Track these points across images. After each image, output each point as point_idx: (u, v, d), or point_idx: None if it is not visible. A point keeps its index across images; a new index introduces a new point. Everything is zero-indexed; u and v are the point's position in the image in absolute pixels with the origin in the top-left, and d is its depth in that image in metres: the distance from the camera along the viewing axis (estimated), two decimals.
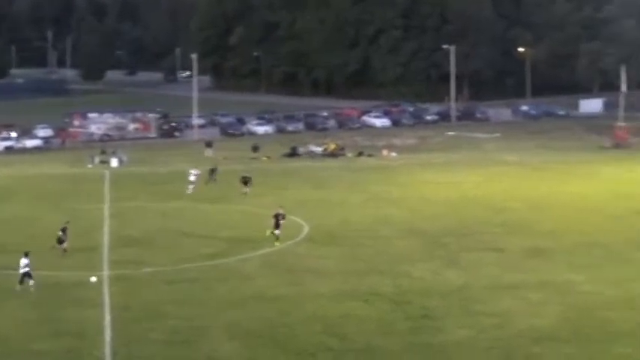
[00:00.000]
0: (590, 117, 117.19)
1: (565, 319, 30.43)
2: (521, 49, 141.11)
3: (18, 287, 34.76)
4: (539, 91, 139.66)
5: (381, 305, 32.53)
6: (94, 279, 35.44)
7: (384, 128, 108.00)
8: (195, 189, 58.81)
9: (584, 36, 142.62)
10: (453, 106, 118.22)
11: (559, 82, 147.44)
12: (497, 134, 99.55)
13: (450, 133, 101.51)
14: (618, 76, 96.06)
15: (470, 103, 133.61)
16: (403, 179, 66.07)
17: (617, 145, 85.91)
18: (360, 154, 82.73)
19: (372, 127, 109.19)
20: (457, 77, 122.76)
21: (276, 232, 42.45)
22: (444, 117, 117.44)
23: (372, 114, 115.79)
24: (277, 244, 41.70)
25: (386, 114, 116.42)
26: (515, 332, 29.16)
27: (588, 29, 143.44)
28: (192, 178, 59.92)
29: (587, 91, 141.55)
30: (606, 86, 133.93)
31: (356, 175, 68.71)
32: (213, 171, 63.49)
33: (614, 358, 26.65)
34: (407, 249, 41.90)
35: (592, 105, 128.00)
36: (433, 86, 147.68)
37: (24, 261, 34.82)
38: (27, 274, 34.74)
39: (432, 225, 47.49)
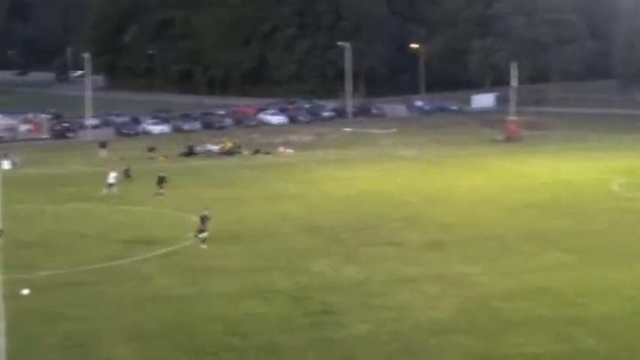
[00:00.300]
0: (483, 112, 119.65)
1: (461, 311, 31.03)
2: (414, 46, 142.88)
3: None
4: (433, 86, 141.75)
5: (282, 302, 32.62)
6: (26, 291, 34.03)
7: (280, 125, 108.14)
8: (111, 191, 57.55)
9: (476, 32, 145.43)
10: (349, 102, 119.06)
11: (452, 77, 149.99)
12: (393, 130, 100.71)
13: (346, 129, 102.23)
14: (509, 72, 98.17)
15: (365, 100, 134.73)
16: (301, 176, 66.33)
17: (509, 139, 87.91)
18: (257, 151, 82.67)
19: (268, 124, 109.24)
20: (353, 74, 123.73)
21: (202, 234, 41.50)
22: (340, 114, 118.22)
23: (269, 111, 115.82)
24: (204, 246, 41.06)
25: (282, 111, 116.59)
26: (413, 325, 29.60)
27: (480, 26, 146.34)
28: (111, 180, 58.45)
29: (480, 87, 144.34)
30: (498, 81, 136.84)
31: (254, 173, 68.68)
32: (127, 171, 62.57)
33: (508, 347, 27.28)
34: (306, 245, 42.07)
35: (484, 100, 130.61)
36: (329, 83, 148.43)
37: None
38: None
39: (331, 221, 47.80)
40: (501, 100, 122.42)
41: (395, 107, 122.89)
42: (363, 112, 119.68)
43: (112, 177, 58.47)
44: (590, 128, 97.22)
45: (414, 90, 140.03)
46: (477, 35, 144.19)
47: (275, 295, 33.52)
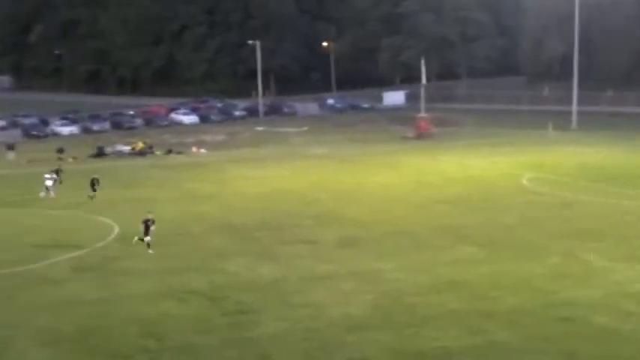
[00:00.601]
0: (394, 109, 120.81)
1: (376, 307, 31.24)
2: (324, 44, 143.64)
3: None
4: (344, 84, 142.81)
5: (197, 302, 32.40)
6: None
7: (192, 125, 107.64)
8: (49, 194, 56.17)
9: (385, 30, 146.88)
10: (261, 101, 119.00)
11: (363, 75, 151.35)
12: (305, 128, 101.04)
13: (258, 128, 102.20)
14: (418, 69, 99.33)
15: (277, 98, 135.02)
16: (214, 175, 66.04)
17: (420, 136, 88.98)
18: (169, 151, 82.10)
19: (180, 124, 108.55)
20: (263, 72, 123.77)
21: (147, 238, 40.50)
22: (252, 112, 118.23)
23: (180, 111, 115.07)
24: (150, 251, 40.29)
25: (194, 111, 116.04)
26: (329, 322, 29.70)
27: (389, 24, 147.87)
28: (48, 182, 56.77)
29: (390, 84, 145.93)
30: (407, 79, 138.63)
31: (166, 173, 68.14)
32: (58, 172, 61.27)
33: (423, 341, 27.57)
34: (220, 245, 41.88)
35: (395, 97, 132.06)
36: (240, 82, 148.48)
37: None
38: None
39: (245, 220, 47.70)
40: (411, 97, 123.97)
41: (306, 105, 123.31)
42: (274, 110, 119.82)
43: (49, 179, 56.95)
44: (499, 124, 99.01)
45: (325, 88, 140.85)
46: (386, 33, 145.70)
47: (190, 295, 33.28)
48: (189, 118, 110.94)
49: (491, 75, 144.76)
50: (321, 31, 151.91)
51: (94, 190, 55.24)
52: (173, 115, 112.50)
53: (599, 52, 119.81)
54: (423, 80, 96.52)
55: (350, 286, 33.97)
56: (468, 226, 44.38)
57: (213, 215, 49.41)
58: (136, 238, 41.12)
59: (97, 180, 55.91)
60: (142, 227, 40.74)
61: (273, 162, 73.09)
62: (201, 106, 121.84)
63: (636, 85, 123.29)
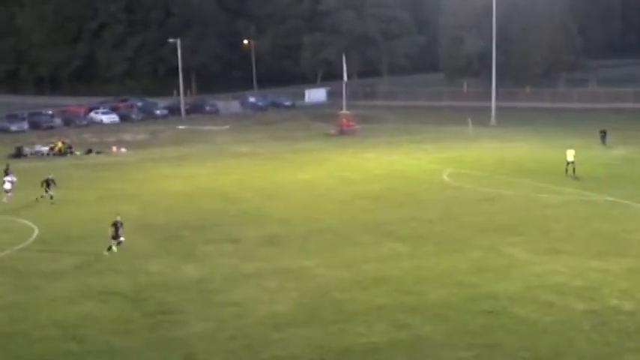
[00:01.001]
0: (316, 106, 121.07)
1: (302, 304, 31.25)
2: (246, 42, 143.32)
3: None
4: (266, 82, 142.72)
5: (119, 304, 31.98)
6: None
7: (112, 124, 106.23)
8: (9, 199, 54.48)
9: (307, 28, 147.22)
10: (182, 100, 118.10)
11: (285, 73, 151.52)
12: (227, 126, 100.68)
13: (180, 127, 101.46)
14: (340, 66, 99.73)
15: (199, 97, 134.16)
16: (136, 175, 65.33)
17: (342, 132, 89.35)
18: (90, 151, 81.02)
19: (100, 123, 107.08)
20: (185, 71, 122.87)
21: (118, 240, 39.33)
22: (173, 111, 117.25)
23: (100, 110, 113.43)
24: (115, 249, 39.33)
25: (114, 110, 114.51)
26: (255, 320, 29.60)
27: (310, 21, 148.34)
28: (7, 186, 54.43)
29: (312, 81, 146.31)
30: (329, 76, 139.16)
31: (87, 173, 67.19)
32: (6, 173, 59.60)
33: (350, 337, 27.66)
34: (143, 245, 41.42)
35: (317, 95, 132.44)
36: (161, 81, 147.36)
37: None
38: None
39: (168, 219, 47.28)
40: (333, 95, 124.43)
41: (229, 104, 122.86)
42: (196, 109, 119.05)
43: (8, 182, 54.99)
44: (420, 120, 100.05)
45: (247, 86, 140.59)
46: (307, 31, 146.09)
47: (112, 296, 32.84)
48: (109, 118, 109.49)
49: (412, 72, 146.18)
50: (242, 28, 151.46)
51: (47, 191, 53.06)
52: (93, 115, 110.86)
53: (517, 49, 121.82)
54: (345, 77, 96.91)
55: (275, 283, 33.92)
56: (392, 221, 44.69)
57: (135, 215, 48.82)
58: (106, 252, 39.37)
59: (53, 180, 53.70)
60: (111, 230, 39.48)
61: (197, 160, 72.64)
62: (121, 105, 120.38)
63: (553, 82, 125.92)
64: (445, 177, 58.86)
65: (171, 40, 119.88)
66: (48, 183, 53.56)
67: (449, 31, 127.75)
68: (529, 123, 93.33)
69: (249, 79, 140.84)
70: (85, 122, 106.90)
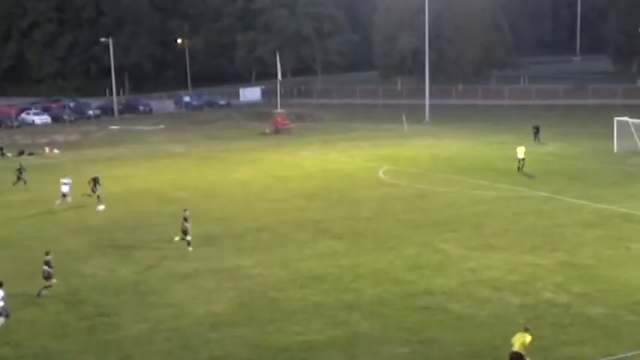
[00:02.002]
0: (251, 105, 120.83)
1: (239, 304, 31.20)
2: (179, 41, 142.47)
3: None
4: (200, 81, 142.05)
5: (54, 307, 31.57)
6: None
7: (44, 125, 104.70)
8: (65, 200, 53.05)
9: (240, 26, 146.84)
10: (115, 99, 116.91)
11: (219, 71, 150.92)
12: (162, 126, 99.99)
13: (113, 127, 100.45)
14: (274, 65, 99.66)
15: (132, 96, 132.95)
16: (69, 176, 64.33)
17: (277, 131, 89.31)
18: (22, 152, 79.83)
19: (31, 124, 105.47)
20: (117, 70, 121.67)
21: (185, 236, 39.15)
22: (106, 111, 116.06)
23: (32, 111, 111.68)
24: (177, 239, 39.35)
25: (46, 110, 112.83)
26: (192, 321, 29.48)
27: (243, 20, 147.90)
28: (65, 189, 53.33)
29: (246, 80, 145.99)
30: (264, 74, 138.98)
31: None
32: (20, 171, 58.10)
33: (287, 336, 27.70)
34: (77, 247, 40.94)
35: (251, 93, 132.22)
36: (94, 80, 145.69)
37: None
38: None
39: (102, 220, 46.78)
40: (268, 93, 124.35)
41: (162, 103, 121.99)
42: (129, 108, 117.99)
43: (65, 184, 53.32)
44: (355, 119, 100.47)
45: (181, 85, 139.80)
46: (241, 29, 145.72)
47: (47, 300, 32.39)
48: (41, 118, 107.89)
49: (346, 70, 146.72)
50: (175, 27, 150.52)
51: (94, 191, 51.96)
52: (24, 116, 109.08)
53: (450, 47, 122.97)
54: (279, 76, 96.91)
55: (212, 283, 33.81)
56: (328, 219, 44.83)
57: (69, 217, 48.28)
58: (176, 238, 39.68)
59: (98, 179, 52.60)
60: (183, 225, 39.23)
61: (130, 161, 72.00)
62: (53, 105, 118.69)
63: (484, 79, 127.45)
64: (380, 174, 59.21)
65: (103, 39, 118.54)
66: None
67: (383, 29, 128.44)
68: (462, 120, 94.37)
69: (183, 79, 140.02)
70: (16, 123, 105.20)
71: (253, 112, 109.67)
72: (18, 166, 59.34)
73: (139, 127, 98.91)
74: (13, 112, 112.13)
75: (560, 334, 27.11)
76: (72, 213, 49.28)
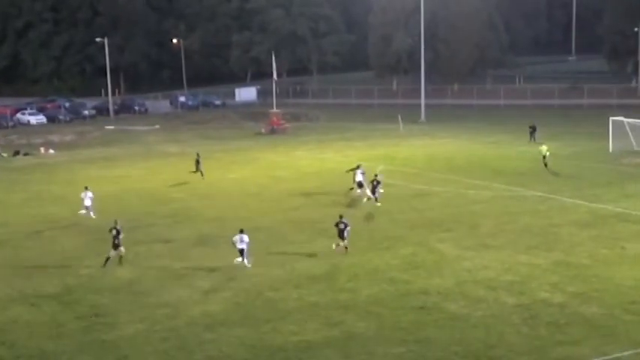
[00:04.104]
0: (246, 105, 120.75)
1: (235, 304, 31.20)
2: (174, 41, 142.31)
3: None
4: (196, 81, 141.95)
5: (50, 307, 31.56)
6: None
7: (40, 125, 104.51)
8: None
9: (235, 26, 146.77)
10: (111, 99, 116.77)
11: (215, 72, 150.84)
12: (157, 126, 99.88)
13: (109, 127, 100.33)
14: (269, 65, 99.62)
15: (127, 97, 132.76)
16: (64, 176, 64.40)
17: (273, 131, 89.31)
18: (17, 153, 79.78)
19: (27, 124, 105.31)
20: (113, 70, 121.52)
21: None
22: (101, 111, 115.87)
23: (27, 111, 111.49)
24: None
25: (41, 111, 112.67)
26: (188, 321, 29.48)
27: (239, 20, 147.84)
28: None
29: (242, 80, 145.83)
30: (259, 74, 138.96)
31: (15, 175, 66.08)
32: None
33: (283, 336, 27.71)
34: (73, 247, 40.94)
35: (247, 93, 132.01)
36: (89, 80, 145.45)
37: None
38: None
39: (98, 221, 46.67)
40: (263, 93, 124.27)
41: (158, 103, 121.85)
42: (125, 109, 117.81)
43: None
44: (350, 118, 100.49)
45: (176, 85, 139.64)
46: (237, 29, 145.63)
47: (42, 300, 32.38)
48: (37, 119, 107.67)
49: (342, 70, 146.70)
50: (171, 27, 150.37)
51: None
52: (19, 116, 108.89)
53: (445, 47, 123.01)
54: (275, 76, 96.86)
55: (208, 283, 33.81)
56: (324, 219, 44.70)
57: (64, 217, 48.25)
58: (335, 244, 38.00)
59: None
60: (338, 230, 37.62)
61: (126, 161, 71.93)
62: (49, 105, 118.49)
63: (480, 79, 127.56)
64: (376, 174, 59.13)
65: (98, 39, 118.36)
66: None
67: (378, 28, 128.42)
68: (458, 120, 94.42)
69: (179, 79, 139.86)
70: (11, 123, 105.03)
71: (249, 112, 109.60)
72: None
73: (135, 127, 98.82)
74: (8, 112, 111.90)
75: (556, 333, 27.14)
76: (67, 213, 49.22)
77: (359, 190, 50.48)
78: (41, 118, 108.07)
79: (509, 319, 28.31)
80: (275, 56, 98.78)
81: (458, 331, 27.56)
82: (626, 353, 25.39)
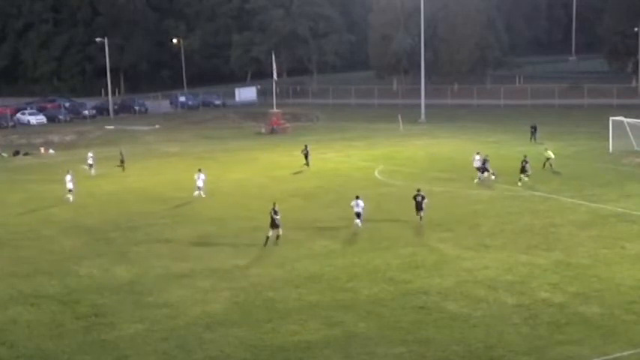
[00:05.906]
0: (246, 105, 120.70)
1: (234, 304, 31.18)
2: (174, 41, 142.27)
3: None
4: (196, 81, 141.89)
5: (50, 307, 31.53)
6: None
7: (40, 125, 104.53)
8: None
9: (236, 26, 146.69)
10: (111, 99, 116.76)
11: (215, 71, 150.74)
12: (157, 126, 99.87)
13: (109, 127, 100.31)
14: (269, 65, 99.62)
15: (127, 96, 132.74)
16: (64, 176, 64.22)
17: (273, 131, 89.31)
18: (17, 153, 79.80)
19: (27, 124, 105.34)
20: (113, 70, 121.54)
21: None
22: (101, 111, 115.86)
23: (27, 111, 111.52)
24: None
25: (41, 111, 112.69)
26: (187, 321, 29.45)
27: (239, 19, 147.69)
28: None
29: (242, 80, 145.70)
30: (259, 74, 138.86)
31: (14, 175, 66.11)
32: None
33: (283, 336, 27.68)
34: (73, 247, 40.93)
35: (247, 93, 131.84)
36: (89, 80, 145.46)
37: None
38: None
39: (98, 221, 46.75)
40: (263, 93, 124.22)
41: (158, 103, 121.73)
42: (124, 108, 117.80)
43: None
44: (350, 118, 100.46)
45: (176, 85, 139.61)
46: (237, 29, 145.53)
47: (42, 300, 32.36)
48: (37, 119, 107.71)
49: (342, 70, 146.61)
50: (171, 27, 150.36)
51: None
52: (19, 116, 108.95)
53: (445, 46, 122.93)
54: (275, 76, 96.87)
55: (207, 283, 33.78)
56: (324, 219, 44.83)
57: (65, 217, 48.24)
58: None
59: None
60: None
61: (126, 161, 71.72)
62: (49, 105, 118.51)
63: (480, 78, 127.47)
64: (376, 174, 59.21)
65: (98, 39, 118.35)
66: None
67: (378, 28, 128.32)
68: (458, 120, 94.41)
69: (179, 78, 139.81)
70: (11, 123, 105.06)
71: (249, 111, 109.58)
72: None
73: (135, 127, 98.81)
74: (8, 112, 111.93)
75: (556, 333, 27.12)
76: (68, 213, 49.21)
77: (484, 175, 54.67)
78: (41, 118, 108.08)
79: (510, 319, 28.30)
80: (275, 56, 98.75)
81: (458, 331, 27.54)
82: (626, 353, 25.37)
